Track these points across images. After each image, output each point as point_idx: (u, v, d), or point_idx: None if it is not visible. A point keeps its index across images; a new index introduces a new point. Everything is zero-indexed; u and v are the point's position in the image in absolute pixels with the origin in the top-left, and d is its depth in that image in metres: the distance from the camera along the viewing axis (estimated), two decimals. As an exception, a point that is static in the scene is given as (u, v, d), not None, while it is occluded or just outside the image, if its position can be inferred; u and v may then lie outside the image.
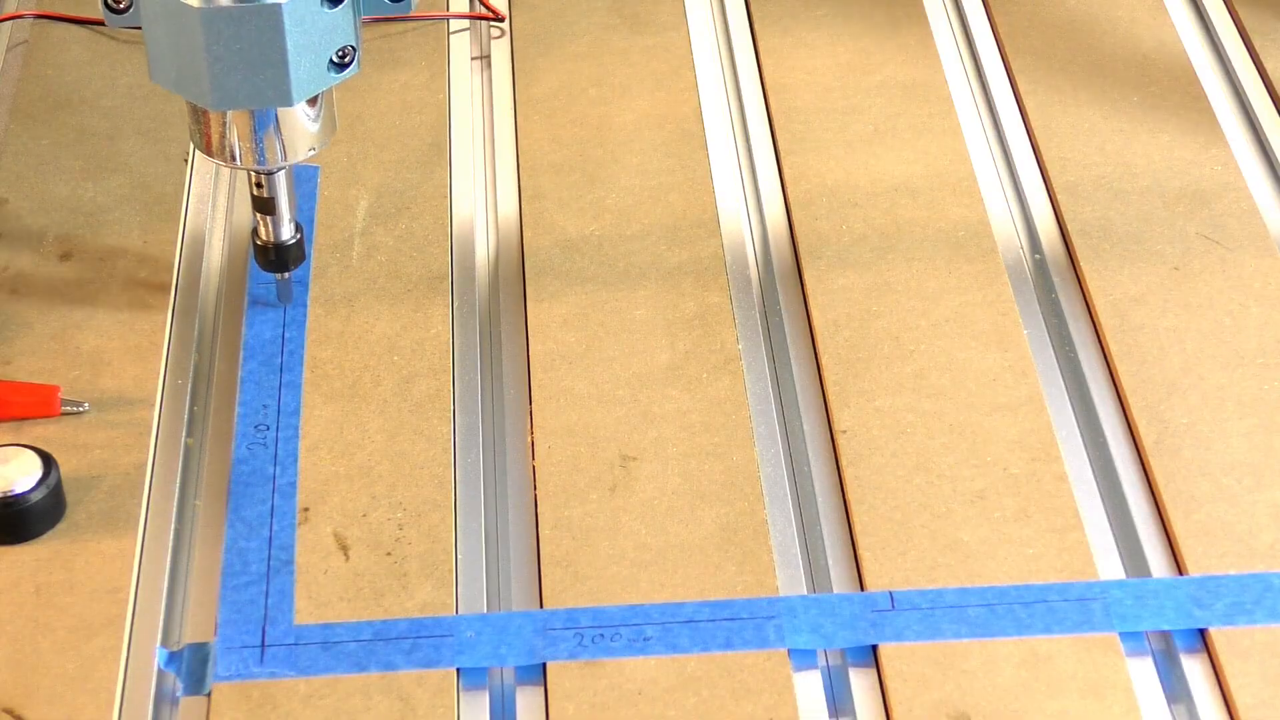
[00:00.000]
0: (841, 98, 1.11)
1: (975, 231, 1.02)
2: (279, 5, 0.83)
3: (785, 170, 1.07)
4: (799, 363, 0.96)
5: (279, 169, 0.91)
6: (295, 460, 0.90)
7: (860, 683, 0.82)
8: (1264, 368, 0.94)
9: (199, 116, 0.89)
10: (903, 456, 0.90)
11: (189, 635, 0.83)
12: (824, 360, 0.95)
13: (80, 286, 0.99)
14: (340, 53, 0.86)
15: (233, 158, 0.89)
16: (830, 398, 0.93)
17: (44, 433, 0.90)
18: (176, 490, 0.89)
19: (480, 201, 1.06)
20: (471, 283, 1.00)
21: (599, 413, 0.93)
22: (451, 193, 1.05)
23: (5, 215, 1.03)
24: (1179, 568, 0.86)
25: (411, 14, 0.99)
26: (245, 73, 0.85)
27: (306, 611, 0.83)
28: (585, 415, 0.92)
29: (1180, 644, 0.83)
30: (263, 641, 0.82)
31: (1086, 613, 0.83)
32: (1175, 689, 0.81)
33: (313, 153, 0.90)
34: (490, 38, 1.17)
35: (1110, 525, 0.88)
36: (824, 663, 0.82)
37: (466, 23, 1.18)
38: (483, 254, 1.02)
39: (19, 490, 0.85)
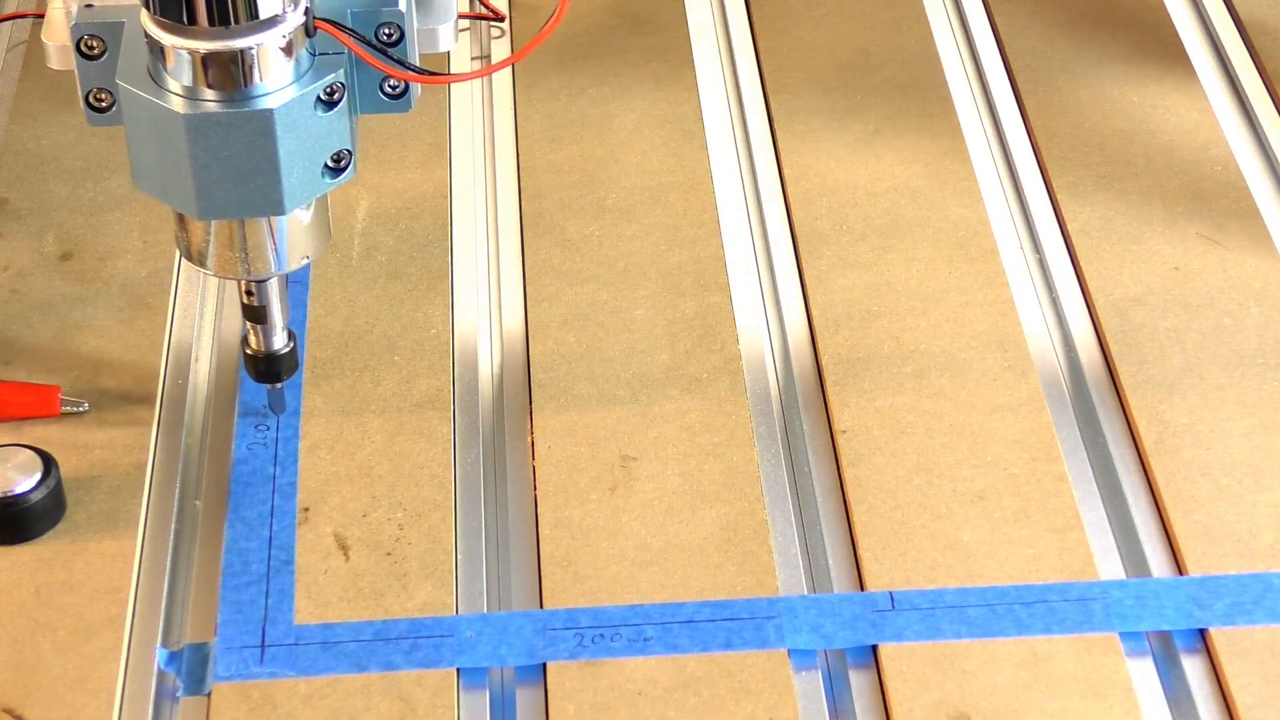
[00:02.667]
0: (841, 98, 1.11)
1: (975, 231, 1.02)
2: (270, 110, 0.77)
3: (785, 170, 1.07)
4: (799, 363, 0.96)
5: (270, 278, 0.86)
6: (295, 460, 0.90)
7: (860, 683, 0.82)
8: (1264, 368, 0.94)
9: (184, 223, 0.83)
10: (903, 456, 0.90)
11: (189, 635, 0.83)
12: (824, 360, 0.95)
13: (80, 286, 0.99)
14: (335, 157, 0.80)
15: (220, 268, 0.84)
16: (830, 398, 0.93)
17: (44, 433, 0.90)
18: (176, 490, 0.89)
19: (480, 201, 1.06)
20: (472, 283, 1.00)
21: (599, 413, 0.93)
22: (451, 193, 1.05)
23: (5, 215, 1.03)
24: (1179, 568, 0.86)
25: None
26: (234, 181, 0.78)
27: (306, 611, 0.83)
28: (585, 415, 0.92)
29: (1180, 644, 0.83)
30: (263, 641, 0.82)
31: (1086, 613, 0.83)
32: (1175, 689, 0.81)
33: (307, 260, 0.85)
34: (490, 38, 1.17)
35: (1110, 525, 0.88)
36: (824, 663, 0.82)
37: (466, 23, 1.18)
38: (483, 253, 1.02)
39: (19, 490, 0.85)
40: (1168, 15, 1.17)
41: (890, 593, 0.84)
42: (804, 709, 0.80)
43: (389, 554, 0.86)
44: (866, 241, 1.02)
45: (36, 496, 0.85)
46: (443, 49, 0.83)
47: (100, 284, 0.99)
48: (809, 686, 0.81)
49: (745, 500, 0.88)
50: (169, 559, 0.86)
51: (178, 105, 0.77)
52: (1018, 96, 1.12)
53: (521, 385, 0.95)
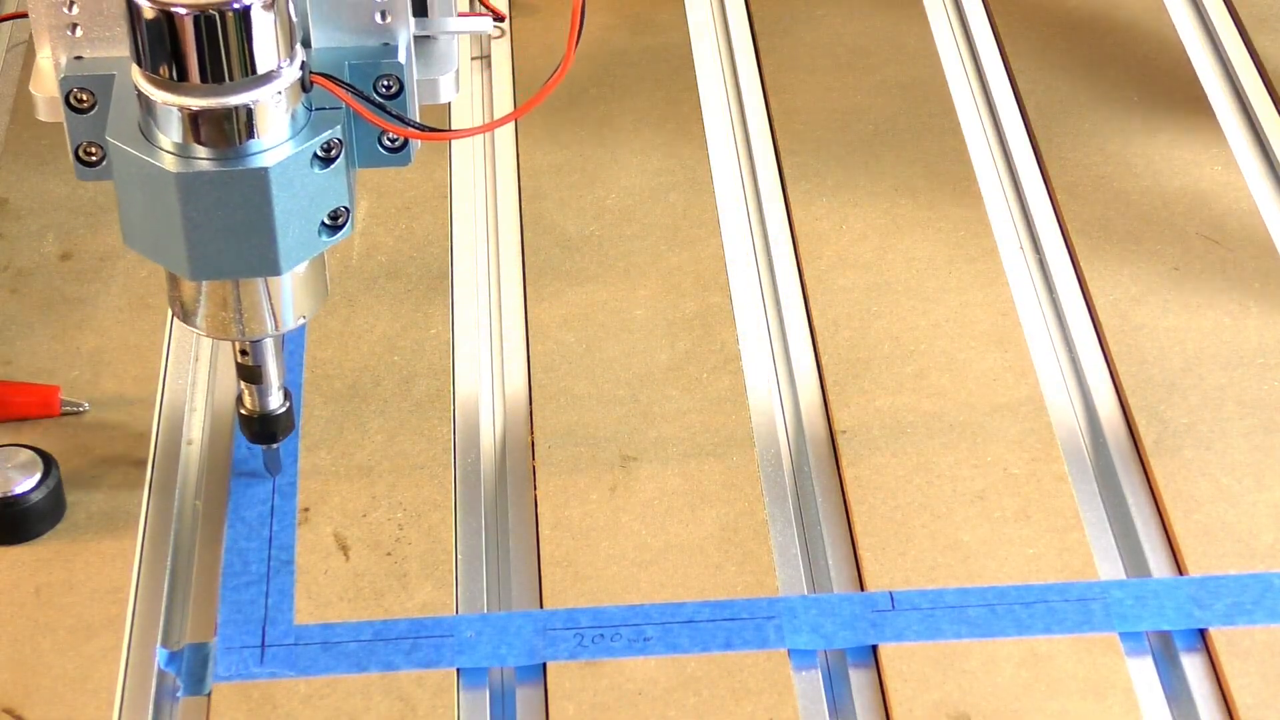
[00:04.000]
0: (841, 98, 1.11)
1: (975, 231, 1.02)
2: (265, 169, 0.74)
3: (785, 170, 1.07)
4: (799, 362, 0.96)
5: (265, 338, 0.83)
6: (295, 460, 0.90)
7: (860, 683, 0.82)
8: (1264, 368, 0.94)
9: (176, 282, 0.81)
10: (903, 456, 0.90)
11: (189, 635, 0.83)
12: (824, 360, 0.95)
13: (80, 286, 0.99)
14: (333, 214, 0.77)
15: (214, 328, 0.81)
16: (830, 398, 0.93)
17: (44, 433, 0.90)
18: (176, 490, 0.89)
19: (480, 202, 1.06)
20: (472, 283, 1.00)
21: (599, 413, 0.93)
22: (451, 193, 1.05)
23: (5, 215, 1.03)
24: (1179, 568, 0.86)
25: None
26: (227, 240, 0.75)
27: (306, 611, 0.83)
28: (585, 415, 0.92)
29: (1180, 644, 0.83)
30: (263, 641, 0.82)
31: (1086, 613, 0.83)
32: (1175, 689, 0.81)
33: (303, 320, 0.82)
34: (490, 38, 1.17)
35: (1110, 525, 0.88)
36: (824, 663, 0.82)
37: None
38: (482, 253, 1.02)
39: (19, 490, 0.85)
40: (1168, 16, 1.17)
41: (890, 593, 0.84)
42: (804, 709, 0.80)
43: (389, 554, 0.86)
44: (866, 241, 1.02)
45: (36, 496, 0.85)
46: (444, 100, 0.81)
47: (100, 284, 0.99)
48: (809, 686, 0.81)
49: (745, 500, 0.88)
50: (169, 559, 0.86)
51: (169, 163, 0.74)
52: (1018, 96, 1.12)
53: (522, 385, 0.95)
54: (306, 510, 0.88)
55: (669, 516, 0.88)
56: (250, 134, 0.74)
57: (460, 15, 0.81)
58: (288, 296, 0.81)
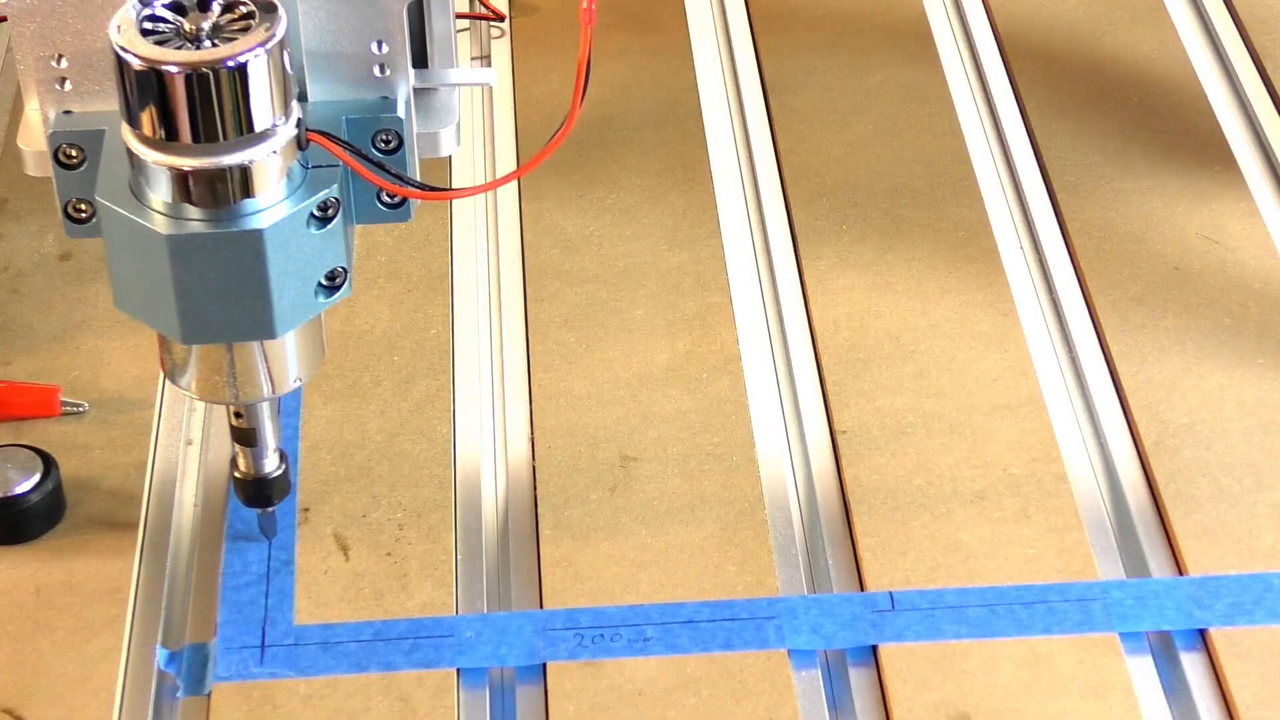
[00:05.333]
0: (841, 98, 1.11)
1: (975, 231, 1.02)
2: (260, 231, 0.71)
3: (785, 170, 1.07)
4: (799, 362, 0.96)
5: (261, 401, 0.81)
6: (295, 460, 0.90)
7: (860, 683, 0.82)
8: (1264, 368, 0.94)
9: (167, 344, 0.78)
10: (903, 456, 0.90)
11: (189, 635, 0.83)
12: (824, 360, 0.95)
13: (80, 286, 0.98)
14: (330, 275, 0.75)
15: (207, 392, 0.78)
16: (830, 398, 0.93)
17: (44, 433, 0.90)
18: (176, 490, 0.89)
19: (480, 202, 1.06)
20: (472, 283, 1.00)
21: (599, 413, 0.93)
22: (451, 193, 1.05)
23: (5, 215, 1.03)
24: (1179, 568, 0.86)
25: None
26: (221, 303, 0.73)
27: (306, 612, 0.83)
28: (585, 415, 0.92)
29: (1180, 644, 0.83)
30: (263, 642, 0.82)
31: (1086, 613, 0.83)
32: (1175, 689, 0.81)
33: (299, 383, 0.79)
34: (490, 38, 1.17)
35: (1110, 525, 0.88)
36: (824, 663, 0.82)
37: (466, 23, 1.18)
38: (482, 253, 1.02)
39: (19, 490, 0.85)
40: (1168, 16, 1.17)
41: (890, 593, 0.84)
42: (804, 709, 0.80)
43: (389, 554, 0.86)
44: (866, 241, 1.02)
45: (36, 496, 0.85)
46: (444, 154, 0.79)
47: (100, 284, 0.99)
48: (809, 686, 0.81)
49: (745, 500, 0.88)
50: (169, 559, 0.86)
51: (160, 224, 0.71)
52: (1018, 96, 1.12)
53: (522, 385, 0.95)
54: (306, 510, 0.88)
55: (669, 516, 0.88)
56: (244, 194, 0.71)
57: (462, 67, 0.79)
58: (283, 359, 0.78)
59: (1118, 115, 1.10)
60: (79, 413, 0.92)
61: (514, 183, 1.06)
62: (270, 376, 0.78)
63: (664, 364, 0.95)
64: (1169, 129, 1.09)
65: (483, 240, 1.03)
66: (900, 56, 1.14)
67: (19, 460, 0.86)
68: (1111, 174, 1.06)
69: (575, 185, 1.06)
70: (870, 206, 1.04)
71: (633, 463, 0.90)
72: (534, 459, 0.91)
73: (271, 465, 0.83)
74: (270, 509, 0.85)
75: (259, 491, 0.84)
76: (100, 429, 0.91)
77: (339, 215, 0.74)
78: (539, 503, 0.88)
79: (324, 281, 0.75)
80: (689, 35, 1.17)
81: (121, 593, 0.84)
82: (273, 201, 0.72)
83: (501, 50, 1.16)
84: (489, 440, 0.92)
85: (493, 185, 0.80)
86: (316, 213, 0.73)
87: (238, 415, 0.81)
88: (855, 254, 1.01)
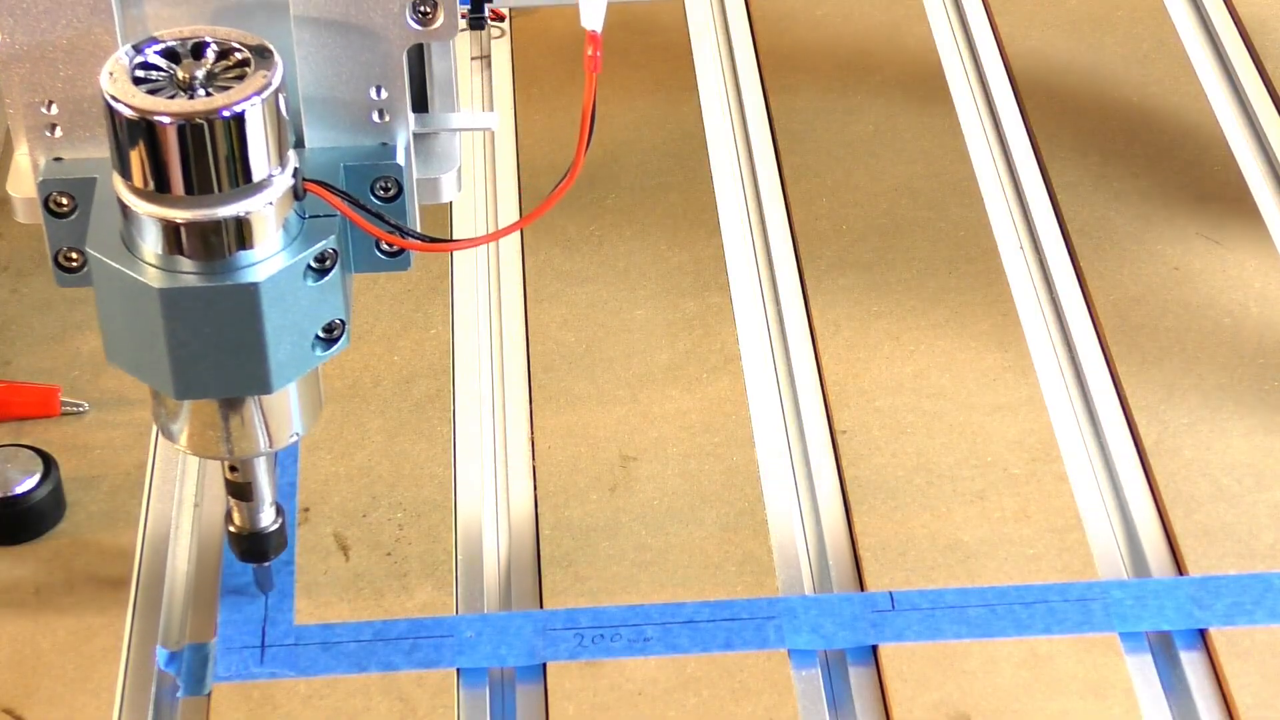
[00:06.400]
0: (841, 98, 1.11)
1: (975, 231, 1.02)
2: (255, 284, 0.69)
3: (785, 170, 1.07)
4: (799, 362, 0.96)
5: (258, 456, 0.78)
6: (295, 460, 0.90)
7: (860, 683, 0.82)
8: (1264, 368, 0.94)
9: (160, 399, 0.75)
10: (903, 456, 0.90)
11: (189, 635, 0.83)
12: (824, 360, 0.95)
13: (80, 287, 0.98)
14: (327, 327, 0.72)
15: (200, 447, 0.76)
16: (830, 398, 0.93)
17: (44, 433, 0.90)
18: (176, 490, 0.89)
19: (480, 201, 1.06)
20: (472, 282, 1.00)
21: (599, 413, 0.93)
22: (451, 193, 1.05)
23: (5, 215, 1.03)
24: (1179, 568, 0.86)
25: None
26: (215, 358, 0.70)
27: (306, 612, 0.83)
28: (585, 415, 0.92)
29: (1180, 644, 0.83)
30: (263, 642, 0.82)
31: (1086, 613, 0.83)
32: (1175, 689, 0.81)
33: (296, 438, 0.77)
34: (490, 38, 1.17)
35: (1110, 525, 0.88)
36: (824, 663, 0.82)
37: (464, 22, 1.18)
38: (482, 254, 1.02)
39: (19, 490, 0.85)
40: (1168, 16, 1.17)
41: (890, 593, 0.84)
42: (804, 709, 0.80)
43: (389, 554, 0.86)
44: (866, 241, 1.02)
45: (36, 496, 0.85)
46: (445, 200, 0.77)
47: (100, 284, 0.99)
48: (809, 686, 0.81)
49: (745, 500, 0.88)
50: (169, 559, 0.86)
51: (152, 277, 0.69)
52: (1018, 96, 1.12)
53: (522, 385, 0.95)
54: (306, 510, 0.88)
55: (669, 516, 0.88)
56: (239, 246, 0.69)
57: (464, 111, 0.77)
58: (280, 413, 0.76)
59: (1118, 115, 1.10)
60: (79, 413, 0.92)
61: (514, 183, 1.06)
62: (267, 431, 0.76)
63: (664, 364, 0.95)
64: (1169, 129, 1.09)
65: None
66: (900, 57, 1.14)
67: (19, 460, 0.86)
68: (1111, 174, 1.06)
69: (575, 185, 1.05)
70: (870, 206, 1.04)
71: (633, 463, 0.90)
72: (534, 459, 0.91)
73: (268, 520, 0.81)
74: (266, 564, 0.83)
75: (254, 547, 0.81)
76: (100, 429, 0.91)
77: (337, 266, 0.71)
78: (539, 503, 0.88)
79: (321, 334, 0.73)
80: (689, 35, 1.16)
81: (121, 593, 0.84)
82: (269, 253, 0.70)
83: (501, 50, 1.16)
84: (489, 440, 0.92)
85: (493, 237, 0.79)
86: (314, 264, 0.71)
87: (233, 469, 0.79)
88: (855, 254, 1.01)
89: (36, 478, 0.86)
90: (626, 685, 0.81)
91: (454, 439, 0.91)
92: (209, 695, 0.80)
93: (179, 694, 0.81)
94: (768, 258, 1.02)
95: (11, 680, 0.80)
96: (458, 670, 0.81)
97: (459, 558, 0.86)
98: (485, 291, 1.00)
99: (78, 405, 0.92)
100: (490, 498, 0.90)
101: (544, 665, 0.81)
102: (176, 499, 0.89)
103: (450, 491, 0.89)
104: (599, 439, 0.91)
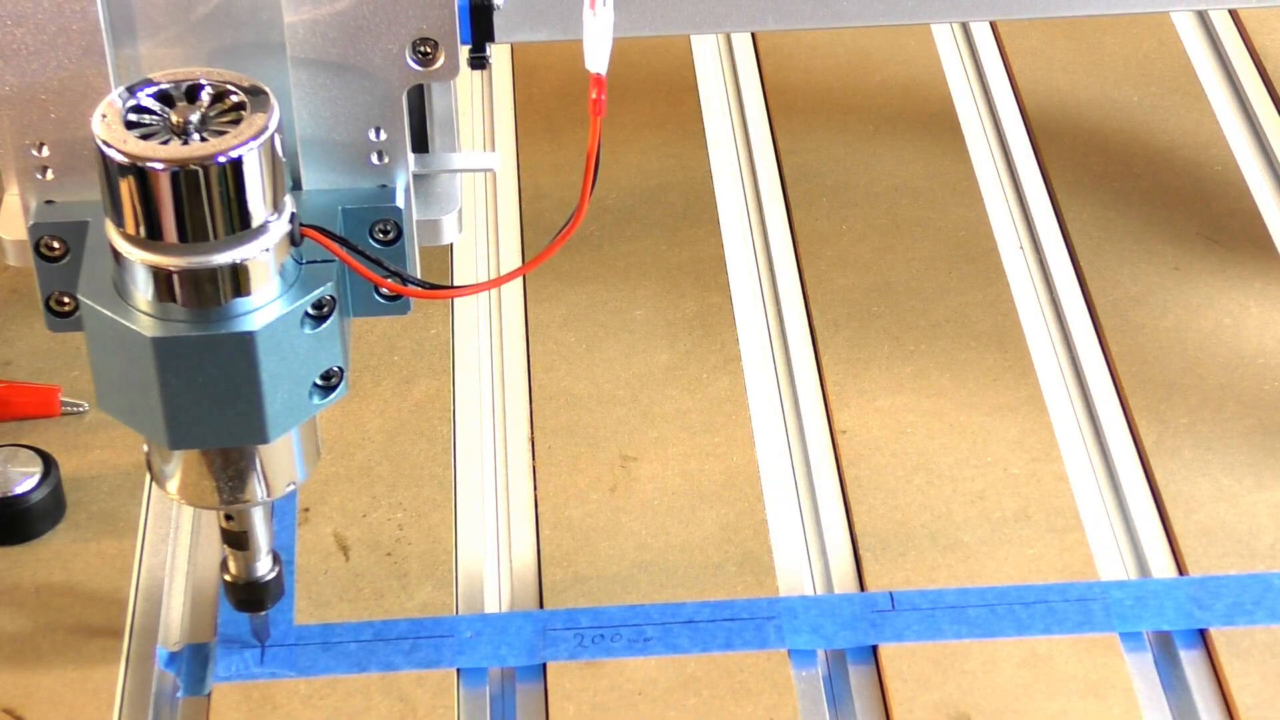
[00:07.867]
0: (841, 98, 1.11)
1: (975, 231, 1.02)
2: (251, 333, 0.67)
3: (785, 170, 1.07)
4: (799, 362, 0.96)
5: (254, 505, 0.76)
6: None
7: (860, 683, 0.82)
8: (1264, 368, 0.94)
9: (153, 448, 0.74)
10: (903, 456, 0.90)
11: (189, 635, 0.83)
12: (824, 360, 0.95)
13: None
14: (325, 375, 0.71)
15: (194, 497, 0.74)
16: (830, 398, 0.93)
17: (44, 433, 0.90)
18: (176, 490, 0.89)
19: (480, 200, 1.06)
20: (472, 282, 1.00)
21: (599, 413, 0.93)
22: (451, 193, 1.05)
23: (5, 215, 1.03)
24: (1179, 568, 0.86)
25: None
26: (210, 407, 0.68)
27: (306, 612, 0.83)
28: (585, 415, 0.92)
29: (1180, 644, 0.83)
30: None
31: (1086, 613, 0.83)
32: (1175, 689, 0.81)
33: (293, 487, 0.75)
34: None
35: (1110, 525, 0.88)
36: (824, 663, 0.82)
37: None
38: (482, 253, 1.02)
39: (19, 490, 0.85)
40: (1168, 16, 1.17)
41: (890, 593, 0.84)
42: (804, 709, 0.80)
43: (389, 554, 0.86)
44: (866, 241, 1.02)
45: (36, 496, 0.85)
46: (446, 241, 0.75)
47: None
48: (809, 686, 0.81)
49: (745, 500, 0.88)
50: (169, 559, 0.86)
51: (145, 326, 0.67)
52: (1018, 96, 1.12)
53: (522, 385, 0.95)
54: (306, 510, 0.88)
55: (669, 516, 0.88)
56: (235, 293, 0.67)
57: (465, 151, 0.76)
58: (276, 462, 0.74)
59: (1118, 115, 1.10)
60: (79, 413, 0.92)
61: (515, 183, 1.06)
62: (264, 481, 0.74)
63: (664, 364, 0.95)
64: (1169, 129, 1.09)
65: (482, 240, 1.03)
66: (900, 56, 1.14)
67: (19, 460, 0.86)
68: (1111, 174, 1.06)
69: (575, 185, 1.05)
70: (870, 206, 1.04)
71: (633, 463, 0.90)
72: (534, 459, 0.91)
73: (265, 569, 0.79)
74: (263, 614, 0.81)
75: (250, 596, 0.79)
76: (100, 429, 0.91)
77: (335, 313, 0.70)
78: (539, 502, 0.88)
79: (319, 382, 0.71)
80: (689, 36, 1.16)
81: (121, 593, 0.84)
82: (265, 301, 0.68)
83: (501, 50, 1.16)
84: (489, 440, 0.92)
85: (495, 283, 0.78)
86: (311, 311, 0.69)
87: (228, 517, 0.76)
88: (855, 254, 1.01)
89: (36, 478, 0.86)
90: (626, 685, 0.81)
91: (454, 439, 0.91)
92: (209, 695, 0.80)
93: (179, 694, 0.81)
94: (768, 258, 1.02)
95: (11, 680, 0.80)
96: (458, 670, 0.81)
97: (459, 558, 0.86)
98: (485, 296, 1.00)
99: (78, 405, 0.92)
100: (490, 498, 0.90)
101: (544, 665, 0.81)
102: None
103: (450, 491, 0.89)
104: (599, 439, 0.91)
